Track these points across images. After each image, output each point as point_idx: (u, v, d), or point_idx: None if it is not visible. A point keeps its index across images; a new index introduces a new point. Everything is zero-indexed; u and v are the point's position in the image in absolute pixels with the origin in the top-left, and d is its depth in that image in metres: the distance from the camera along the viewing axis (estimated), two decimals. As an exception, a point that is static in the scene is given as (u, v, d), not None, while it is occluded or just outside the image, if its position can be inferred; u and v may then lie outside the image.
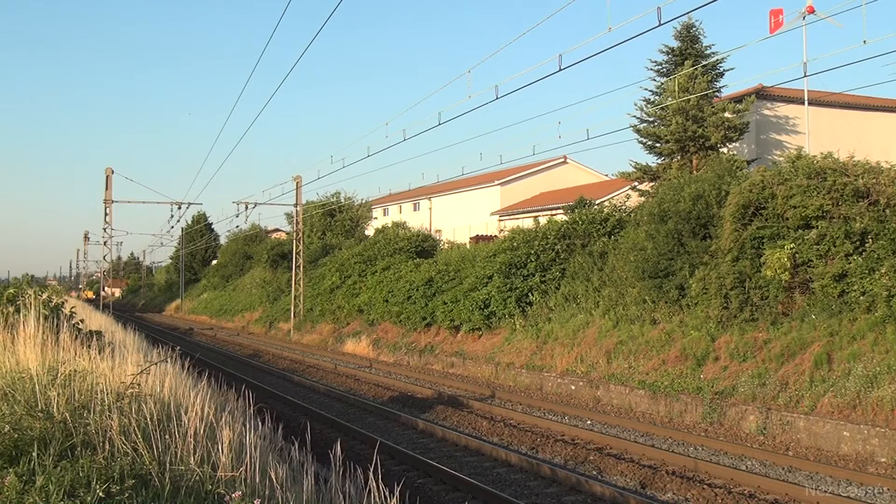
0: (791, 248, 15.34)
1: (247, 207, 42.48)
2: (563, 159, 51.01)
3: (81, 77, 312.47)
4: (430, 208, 57.04)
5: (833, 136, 28.11)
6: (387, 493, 4.80)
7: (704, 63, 28.66)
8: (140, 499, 4.69)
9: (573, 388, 18.53)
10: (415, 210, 58.41)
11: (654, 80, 30.68)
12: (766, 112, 33.32)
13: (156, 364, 7.96)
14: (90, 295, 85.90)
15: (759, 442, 13.15)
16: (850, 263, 14.50)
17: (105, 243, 40.83)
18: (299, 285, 40.24)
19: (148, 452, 5.40)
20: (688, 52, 29.64)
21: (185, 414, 6.15)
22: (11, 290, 13.72)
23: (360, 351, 29.79)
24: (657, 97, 30.73)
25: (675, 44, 30.11)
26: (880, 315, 13.57)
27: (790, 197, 15.64)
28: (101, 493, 4.50)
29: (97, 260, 77.46)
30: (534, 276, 23.33)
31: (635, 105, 31.64)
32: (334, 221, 51.08)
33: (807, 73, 19.03)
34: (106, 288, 60.97)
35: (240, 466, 5.29)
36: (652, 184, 29.44)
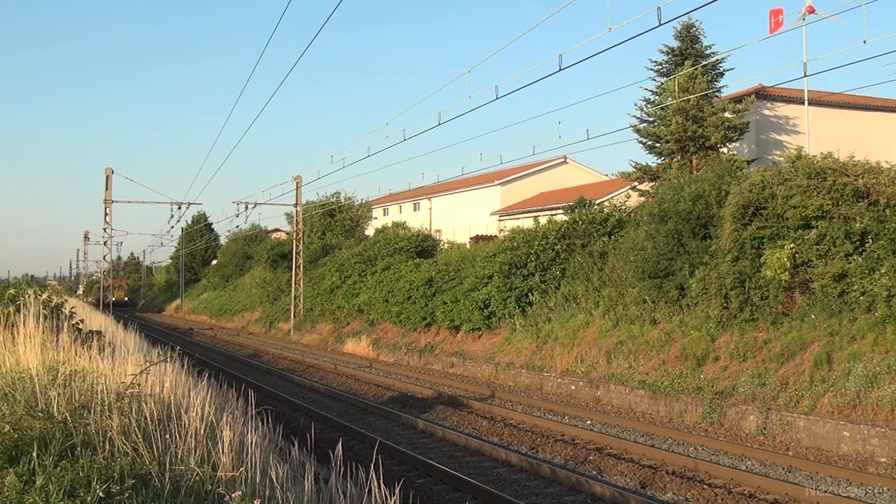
0: (791, 248, 15.34)
1: (247, 207, 42.53)
2: (563, 159, 51.00)
3: (81, 77, 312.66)
4: (430, 208, 57.03)
5: (833, 136, 28.11)
6: (387, 493, 4.80)
7: (704, 63, 28.65)
8: (140, 499, 4.69)
9: (573, 388, 18.52)
10: (415, 210, 58.40)
11: (654, 80, 30.68)
12: (766, 112, 33.32)
13: (156, 364, 7.96)
14: (119, 295, 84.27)
15: (759, 442, 13.15)
16: (850, 263, 14.50)
17: (105, 243, 40.83)
18: (299, 285, 40.24)
19: (148, 452, 5.40)
20: (688, 52, 29.63)
21: (186, 414, 6.15)
22: (12, 290, 13.73)
23: (360, 351, 29.78)
24: (657, 97, 30.72)
25: (675, 44, 30.10)
26: (880, 315, 13.57)
27: (790, 197, 15.64)
28: (101, 493, 4.50)
29: (97, 260, 77.29)
30: (534, 276, 23.33)
31: (635, 105, 31.65)
32: (334, 221, 51.06)
33: (807, 73, 19.05)
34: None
35: (240, 466, 5.29)
36: (652, 184, 29.42)
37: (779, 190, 15.98)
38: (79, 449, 5.47)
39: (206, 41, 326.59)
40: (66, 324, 10.92)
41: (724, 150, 29.60)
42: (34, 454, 5.02)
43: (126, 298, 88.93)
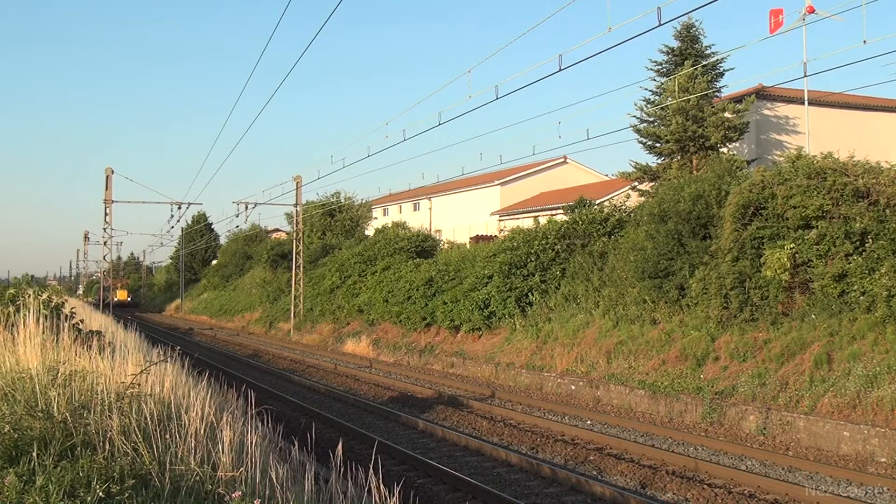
0: (791, 248, 15.34)
1: (247, 207, 42.52)
2: (563, 159, 50.98)
3: (81, 77, 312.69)
4: (430, 208, 57.02)
5: (833, 136, 28.11)
6: (386, 494, 4.80)
7: (704, 63, 28.65)
8: (140, 499, 4.69)
9: (573, 388, 18.52)
10: (415, 210, 58.40)
11: (654, 80, 30.69)
12: (766, 112, 33.32)
13: (156, 364, 7.95)
14: (123, 296, 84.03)
15: (759, 442, 13.15)
16: (850, 263, 14.50)
17: (105, 243, 40.81)
18: (299, 285, 40.24)
19: (148, 452, 5.39)
20: (688, 52, 29.64)
21: (186, 414, 6.15)
22: (12, 290, 13.73)
23: (360, 351, 29.78)
24: (657, 97, 30.73)
25: (675, 44, 30.11)
26: (880, 315, 13.57)
27: (790, 197, 15.63)
28: (101, 493, 4.50)
29: (97, 260, 77.11)
30: (534, 275, 23.33)
31: (635, 105, 31.68)
32: (334, 221, 51.06)
33: (807, 73, 19.06)
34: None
35: (240, 466, 5.29)
36: (652, 184, 29.43)
37: (779, 190, 15.97)
38: (79, 449, 5.46)
39: (205, 41, 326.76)
40: (66, 324, 10.91)
41: (724, 150, 29.60)
42: (34, 454, 5.02)
43: (129, 299, 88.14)
